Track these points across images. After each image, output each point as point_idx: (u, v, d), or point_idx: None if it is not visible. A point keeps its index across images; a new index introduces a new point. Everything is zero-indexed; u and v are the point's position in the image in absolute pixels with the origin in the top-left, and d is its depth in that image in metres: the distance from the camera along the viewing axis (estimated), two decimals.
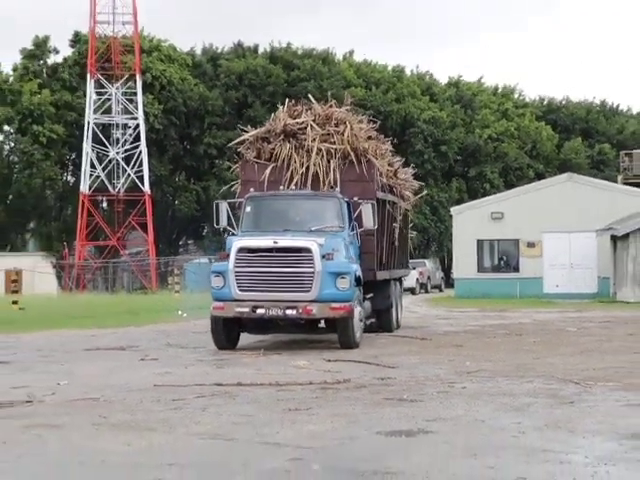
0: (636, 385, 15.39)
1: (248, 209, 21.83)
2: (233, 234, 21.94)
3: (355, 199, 22.01)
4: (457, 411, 12.89)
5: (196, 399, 14.08)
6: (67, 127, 71.63)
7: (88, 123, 68.07)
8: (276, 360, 19.25)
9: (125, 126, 69.62)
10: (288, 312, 19.94)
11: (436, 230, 75.86)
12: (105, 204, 73.97)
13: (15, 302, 38.57)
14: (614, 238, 46.31)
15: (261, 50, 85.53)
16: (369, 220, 21.59)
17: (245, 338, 22.51)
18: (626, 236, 45.29)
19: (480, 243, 52.32)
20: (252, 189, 22.10)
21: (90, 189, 68.98)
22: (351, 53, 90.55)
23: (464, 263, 52.93)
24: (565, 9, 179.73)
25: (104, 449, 10.39)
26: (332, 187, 22.30)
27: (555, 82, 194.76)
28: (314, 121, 23.48)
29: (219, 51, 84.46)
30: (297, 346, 22.52)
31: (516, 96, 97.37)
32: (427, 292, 61.49)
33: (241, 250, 20.22)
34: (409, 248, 31.52)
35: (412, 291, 58.43)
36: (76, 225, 68.98)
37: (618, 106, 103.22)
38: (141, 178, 67.94)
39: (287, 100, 25.49)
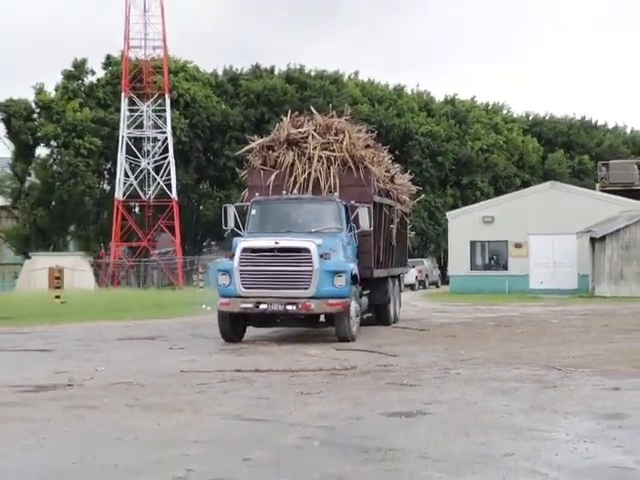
0: (612, 371, 15.42)
1: (253, 212, 21.58)
2: (239, 235, 21.64)
3: (352, 203, 21.61)
4: (452, 394, 12.93)
5: (218, 383, 14.16)
6: (103, 140, 71.73)
7: (122, 137, 68.16)
8: (289, 349, 19.29)
9: (155, 139, 69.70)
10: (289, 307, 19.59)
11: (433, 232, 75.74)
12: (137, 209, 73.94)
13: (58, 296, 38.59)
14: (592, 240, 46.28)
15: (277, 71, 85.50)
16: (365, 222, 21.26)
17: (260, 330, 22.63)
18: (603, 238, 45.30)
19: (473, 244, 52.28)
20: (257, 194, 21.89)
21: (124, 196, 69.08)
22: (356, 74, 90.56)
23: (458, 262, 52.88)
24: (550, 37, 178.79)
25: (136, 427, 10.48)
26: (331, 192, 22.03)
27: (540, 99, 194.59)
28: (315, 131, 23.24)
29: (239, 72, 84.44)
30: (308, 337, 22.43)
31: (505, 112, 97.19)
32: (425, 288, 61.37)
33: (245, 250, 19.95)
34: (408, 248, 31.07)
35: (412, 287, 58.39)
36: (111, 228, 69.04)
37: (597, 122, 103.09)
38: (169, 186, 68.01)
39: (290, 111, 25.22)
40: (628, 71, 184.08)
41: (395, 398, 12.60)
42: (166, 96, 68.62)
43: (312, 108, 25.80)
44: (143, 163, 68.83)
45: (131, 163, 69.01)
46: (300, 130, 23.32)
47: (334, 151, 22.63)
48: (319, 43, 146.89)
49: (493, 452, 9.06)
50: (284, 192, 21.83)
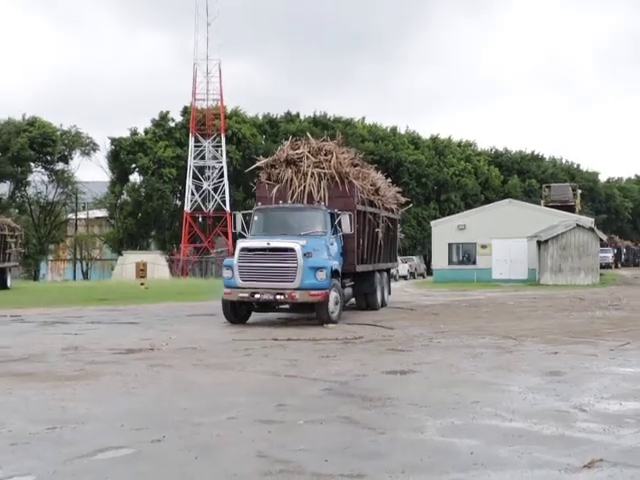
0: (553, 340, 15.39)
1: (256, 218, 20.66)
2: (243, 236, 20.84)
3: (336, 211, 20.50)
4: (434, 357, 12.94)
5: (260, 349, 14.18)
6: (178, 170, 72.10)
7: (190, 166, 68.42)
8: (313, 323, 19.30)
9: (213, 167, 69.87)
10: (278, 297, 18.52)
11: (420, 236, 75.45)
12: (200, 219, 74.04)
13: (142, 284, 38.80)
14: (539, 242, 46.09)
15: (303, 116, 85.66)
16: (347, 227, 20.15)
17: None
18: (546, 241, 45.16)
19: (450, 245, 52.05)
20: (259, 203, 21.39)
21: (191, 209, 69.27)
22: (364, 118, 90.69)
23: (439, 259, 52.64)
24: (509, 95, 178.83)
25: (200, 381, 10.55)
26: (319, 202, 20.98)
27: (501, 138, 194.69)
28: (309, 152, 22.21)
29: (274, 116, 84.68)
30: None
31: (473, 147, 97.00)
32: (415, 278, 61.15)
33: (243, 249, 19.00)
34: (398, 247, 29.60)
35: (405, 278, 58.41)
36: (181, 233, 69.34)
37: (542, 155, 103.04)
38: (224, 202, 68.14)
39: (291, 137, 24.32)
40: (564, 118, 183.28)
41: (392, 360, 12.62)
42: (222, 135, 68.87)
43: (308, 134, 24.90)
44: (205, 185, 69.03)
45: (196, 185, 69.21)
46: (297, 152, 22.35)
47: (324, 168, 21.70)
48: (336, 94, 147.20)
49: (465, 400, 9.06)
50: (280, 202, 21.10)
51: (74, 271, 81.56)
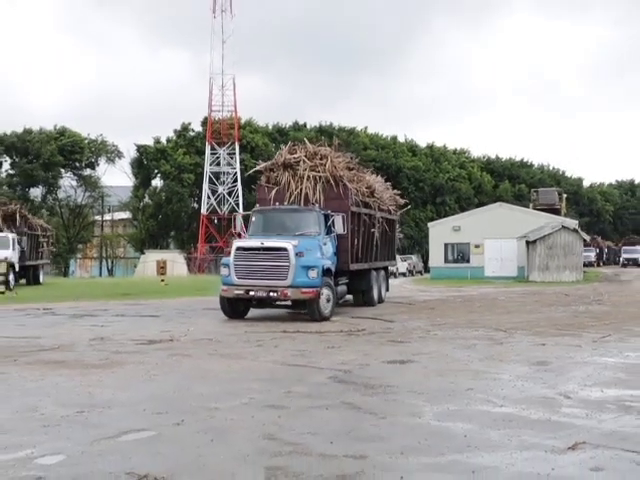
0: (540, 332, 15.38)
1: (254, 219, 20.10)
2: (240, 236, 20.53)
3: (329, 212, 19.78)
4: (431, 348, 12.93)
5: (271, 340, 14.18)
6: (195, 175, 72.12)
7: (206, 172, 68.47)
8: (321, 320, 19.27)
9: (228, 173, 69.86)
10: (271, 294, 17.93)
11: (418, 236, 75.13)
12: (216, 221, 74.01)
13: (162, 280, 38.82)
14: (527, 242, 46.09)
15: (309, 126, 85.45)
16: (340, 227, 19.37)
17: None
18: (534, 241, 45.18)
19: (446, 245, 52.01)
20: (258, 205, 20.90)
21: (207, 211, 69.30)
22: (366, 128, 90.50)
23: (436, 257, 52.65)
24: (500, 104, 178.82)
25: (215, 369, 10.56)
26: (313, 204, 20.15)
27: (493, 146, 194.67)
28: (305, 156, 21.37)
29: (283, 126, 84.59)
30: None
31: (467, 154, 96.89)
32: (413, 275, 61.10)
33: (238, 249, 18.43)
34: (396, 247, 28.26)
35: (404, 275, 58.41)
36: (198, 233, 69.38)
37: (531, 162, 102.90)
38: (238, 205, 68.04)
39: (290, 142, 23.61)
40: (551, 127, 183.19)
41: (392, 351, 12.62)
42: (236, 144, 68.91)
43: (305, 139, 24.00)
44: (220, 189, 69.05)
45: (212, 190, 69.23)
46: (294, 156, 21.52)
47: (319, 172, 20.87)
48: (340, 106, 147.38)
49: (459, 387, 9.07)
50: (277, 204, 20.48)
51: (100, 268, 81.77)
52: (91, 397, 8.48)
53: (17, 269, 33.12)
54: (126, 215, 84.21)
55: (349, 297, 23.03)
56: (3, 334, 14.94)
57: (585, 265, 52.17)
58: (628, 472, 5.67)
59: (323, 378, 9.76)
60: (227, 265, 18.52)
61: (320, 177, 20.80)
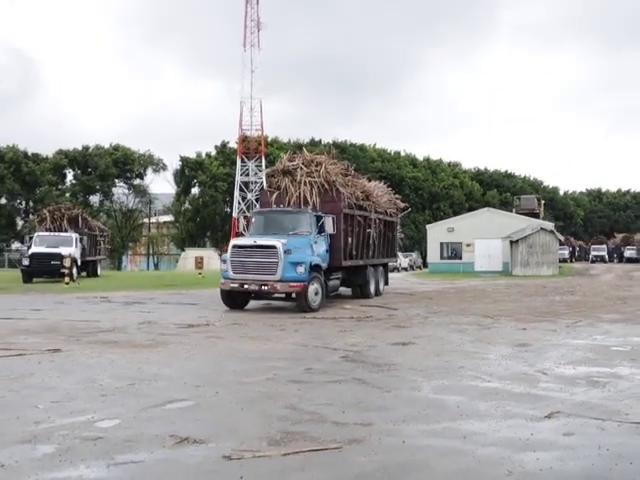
0: (522, 318, 15.30)
1: (254, 220, 19.41)
2: (242, 235, 19.38)
3: (320, 213, 18.90)
4: (428, 332, 12.91)
5: (292, 325, 14.20)
6: (228, 184, 72.22)
7: (237, 181, 68.44)
8: (334, 305, 19.20)
9: (255, 182, 69.73)
10: (263, 287, 17.08)
11: (417, 237, 74.97)
12: (245, 223, 74.23)
13: (199, 273, 38.91)
14: (511, 242, 45.93)
15: (325, 141, 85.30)
16: (330, 227, 18.59)
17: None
18: (517, 241, 44.97)
19: (442, 244, 51.78)
20: (257, 207, 20.28)
21: (237, 215, 69.40)
22: (375, 144, 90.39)
23: (433, 254, 52.43)
24: (494, 122, 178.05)
25: (246, 349, 10.56)
26: (306, 206, 19.30)
27: (482, 159, 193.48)
28: (303, 163, 20.44)
29: (302, 142, 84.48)
30: (345, 299, 22.12)
31: (459, 166, 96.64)
32: (413, 270, 60.82)
33: (234, 246, 17.66)
34: (397, 245, 26.76)
35: (406, 270, 58.23)
36: (230, 233, 69.50)
37: (514, 172, 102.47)
38: None
39: (289, 151, 22.63)
40: (531, 143, 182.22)
41: (395, 334, 12.60)
42: (262, 157, 68.96)
43: (304, 148, 23.29)
44: (249, 196, 68.97)
45: (242, 196, 69.27)
46: (293, 163, 20.58)
47: (315, 177, 19.95)
48: (351, 124, 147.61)
49: (452, 366, 9.05)
50: (274, 206, 19.72)
51: (147, 263, 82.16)
52: (140, 372, 8.53)
53: (79, 263, 33.27)
54: (169, 218, 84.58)
55: (345, 290, 22.35)
56: (68, 318, 15.05)
57: (560, 261, 51.87)
58: (595, 436, 5.69)
59: (337, 357, 9.76)
60: (225, 261, 17.95)
61: (316, 182, 19.96)
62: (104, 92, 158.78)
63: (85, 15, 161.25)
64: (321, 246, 18.81)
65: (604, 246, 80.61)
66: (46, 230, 35.22)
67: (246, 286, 17.31)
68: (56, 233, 34.20)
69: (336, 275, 19.95)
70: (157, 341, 11.40)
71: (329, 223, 18.69)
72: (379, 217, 22.98)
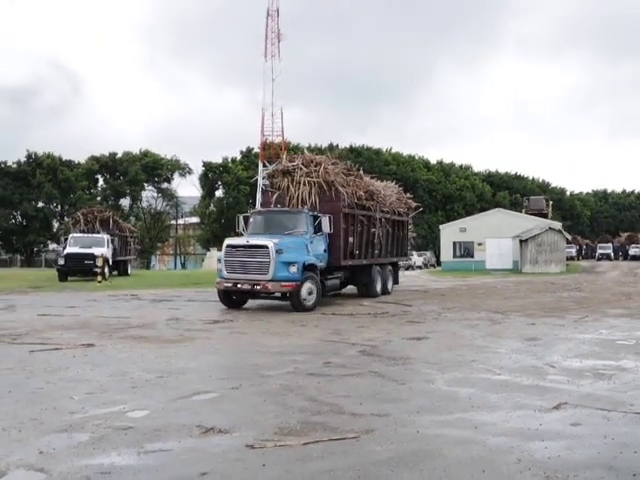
0: (531, 314, 15.21)
1: (251, 220, 18.57)
2: (240, 235, 18.72)
3: (316, 213, 17.93)
4: (442, 327, 12.87)
5: (312, 321, 14.18)
6: (250, 186, 72.38)
7: (259, 184, 68.64)
8: (352, 303, 19.19)
9: None
10: (255, 287, 16.23)
11: (431, 237, 74.74)
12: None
13: None
14: (521, 241, 45.61)
15: (342, 146, 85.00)
16: (326, 227, 17.56)
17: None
18: (526, 240, 44.74)
19: (454, 243, 51.46)
20: (256, 207, 19.34)
21: None
22: (391, 148, 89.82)
23: (446, 253, 52.13)
24: (503, 127, 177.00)
25: (268, 344, 10.58)
26: (304, 205, 18.40)
27: (492, 162, 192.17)
28: (302, 163, 19.46)
29: (320, 147, 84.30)
30: (361, 296, 22.04)
31: (471, 169, 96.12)
32: (427, 268, 60.64)
33: (228, 246, 16.88)
34: (407, 244, 25.17)
35: (420, 267, 58.03)
36: None
37: (523, 174, 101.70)
38: None
39: (287, 152, 22.04)
40: (539, 146, 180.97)
41: (410, 329, 12.58)
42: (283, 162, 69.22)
43: (305, 149, 22.96)
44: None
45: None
46: (293, 163, 19.67)
47: (314, 178, 18.96)
48: (367, 129, 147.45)
49: (465, 359, 9.02)
50: (271, 206, 18.98)
51: (175, 262, 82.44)
52: (168, 365, 8.58)
53: (111, 263, 33.49)
54: (195, 220, 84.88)
55: (351, 288, 21.71)
56: (101, 314, 15.17)
57: (568, 259, 51.45)
58: (600, 426, 5.66)
59: (354, 352, 9.76)
60: (220, 260, 17.23)
61: (315, 182, 18.97)
62: (134, 101, 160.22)
63: (116, 28, 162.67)
64: (318, 245, 17.97)
65: (610, 244, 79.95)
66: (80, 232, 35.51)
67: (239, 285, 16.52)
68: (89, 234, 34.45)
69: (336, 274, 19.14)
70: (184, 336, 11.45)
71: (325, 223, 17.78)
72: (385, 216, 21.89)
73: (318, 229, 17.80)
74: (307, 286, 16.62)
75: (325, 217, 17.76)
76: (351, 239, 19.46)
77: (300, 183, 19.06)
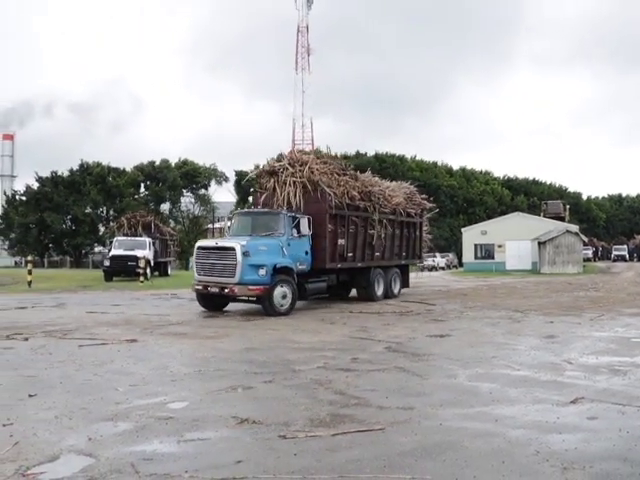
0: (549, 312, 15.02)
1: (233, 221, 17.52)
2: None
3: (294, 214, 16.39)
4: (464, 325, 12.78)
5: (340, 319, 14.17)
6: None
7: None
8: (378, 302, 19.13)
9: None
10: (224, 291, 14.71)
11: (452, 239, 74.28)
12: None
13: None
14: (539, 243, 45.10)
15: (369, 154, 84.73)
16: (305, 228, 16.17)
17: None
18: (545, 242, 44.22)
19: (476, 245, 51.09)
20: (239, 208, 17.98)
21: None
22: (415, 156, 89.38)
23: (468, 255, 51.78)
24: (520, 135, 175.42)
25: (298, 341, 10.59)
26: (288, 206, 16.82)
27: (511, 168, 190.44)
28: (288, 163, 17.73)
29: (348, 154, 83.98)
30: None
31: (491, 174, 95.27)
32: (450, 269, 60.21)
33: (198, 248, 15.66)
34: (420, 246, 22.68)
35: (443, 269, 57.60)
36: None
37: (541, 180, 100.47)
38: None
39: (278, 153, 19.73)
40: (558, 152, 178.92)
41: (433, 327, 12.51)
42: None
43: (295, 149, 21.51)
44: None
45: None
46: (279, 164, 18.02)
47: (297, 178, 17.34)
48: (391, 138, 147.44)
49: (486, 356, 8.94)
50: (252, 207, 16.71)
51: None
52: (206, 360, 8.65)
53: (152, 264, 33.87)
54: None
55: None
56: (143, 312, 15.35)
57: (584, 260, 50.76)
58: (616, 420, 5.58)
59: (380, 348, 9.74)
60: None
61: (299, 182, 17.39)
62: (174, 112, 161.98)
63: (156, 46, 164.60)
64: (299, 248, 16.41)
65: (625, 246, 78.91)
66: (124, 235, 36.01)
67: (209, 289, 15.16)
68: (132, 238, 34.90)
69: (322, 278, 17.46)
70: (220, 333, 11.53)
71: (304, 224, 16.32)
72: (388, 217, 19.96)
73: (298, 230, 16.36)
74: (280, 290, 15.13)
75: (304, 218, 16.38)
76: (342, 241, 17.88)
77: (285, 184, 17.54)
